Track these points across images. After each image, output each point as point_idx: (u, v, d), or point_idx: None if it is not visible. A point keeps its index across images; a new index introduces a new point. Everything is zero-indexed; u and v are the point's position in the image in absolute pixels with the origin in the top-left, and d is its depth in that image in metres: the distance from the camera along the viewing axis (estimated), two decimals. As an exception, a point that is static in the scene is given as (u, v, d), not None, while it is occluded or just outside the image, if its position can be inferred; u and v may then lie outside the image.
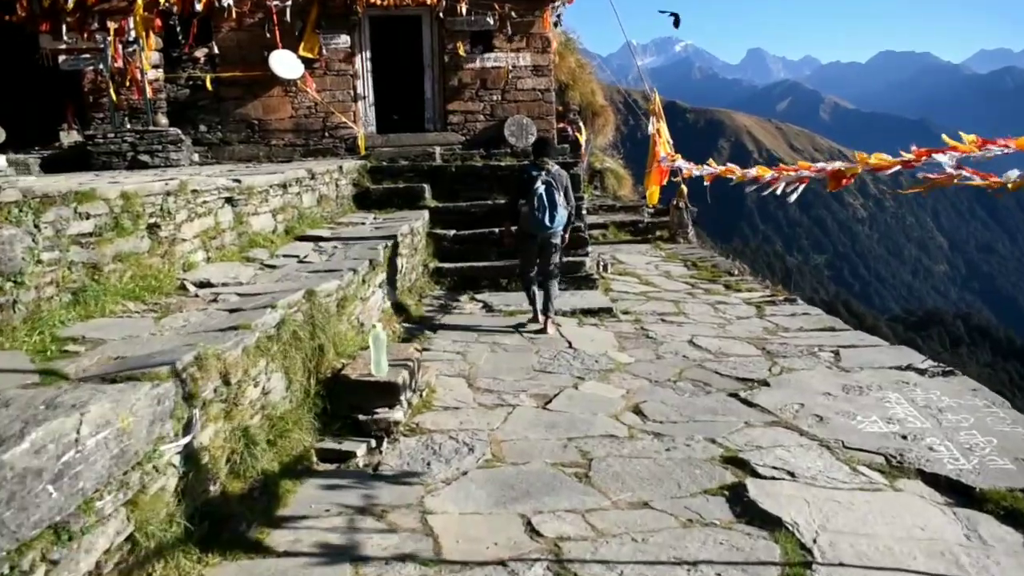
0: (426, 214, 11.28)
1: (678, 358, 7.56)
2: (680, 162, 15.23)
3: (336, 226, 9.79)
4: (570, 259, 10.71)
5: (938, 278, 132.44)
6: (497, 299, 10.00)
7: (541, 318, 8.62)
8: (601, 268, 12.40)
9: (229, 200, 7.17)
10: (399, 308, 8.68)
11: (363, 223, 10.20)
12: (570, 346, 7.99)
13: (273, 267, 6.88)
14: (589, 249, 11.12)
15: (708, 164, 11.25)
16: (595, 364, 7.32)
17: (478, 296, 10.26)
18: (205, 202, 6.61)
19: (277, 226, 8.35)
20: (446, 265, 10.79)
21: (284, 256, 7.38)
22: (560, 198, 8.31)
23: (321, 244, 8.14)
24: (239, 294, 5.54)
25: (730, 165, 9.83)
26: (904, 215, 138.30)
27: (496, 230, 10.69)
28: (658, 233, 17.45)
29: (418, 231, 10.13)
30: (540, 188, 8.20)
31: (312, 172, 9.63)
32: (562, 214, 8.39)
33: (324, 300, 5.60)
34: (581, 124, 19.01)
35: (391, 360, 5.60)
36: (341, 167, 11.12)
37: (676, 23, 15.77)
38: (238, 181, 7.31)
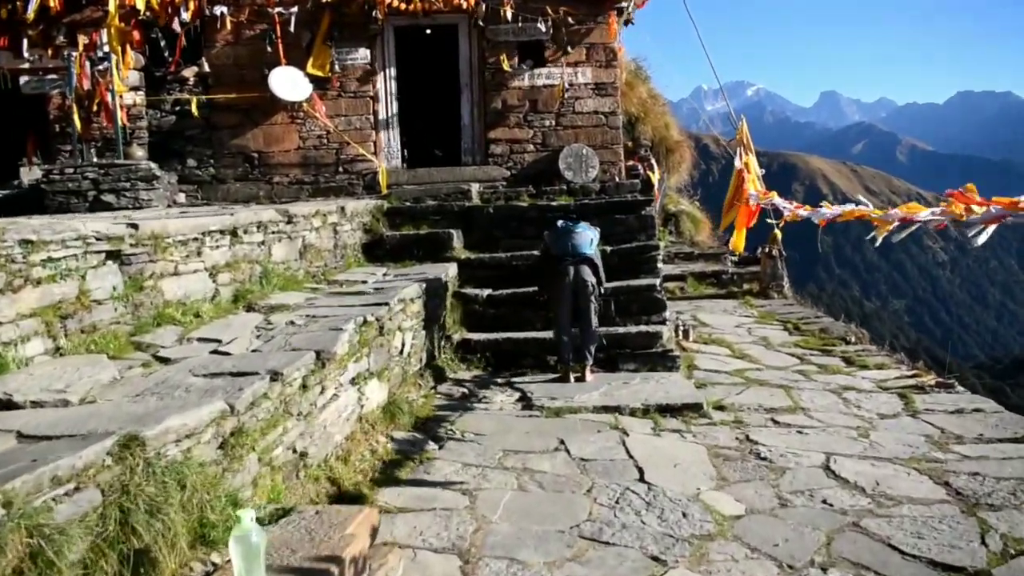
0: (452, 268, 8.67)
1: (815, 507, 4.72)
2: (778, 200, 12.50)
3: (322, 287, 7.25)
4: (642, 329, 7.98)
5: None
6: (540, 389, 7.25)
7: (576, 369, 7.53)
8: (681, 335, 9.61)
9: (114, 256, 4.65)
10: (395, 407, 6.02)
11: (364, 282, 7.65)
12: (641, 477, 5.19)
13: (167, 361, 4.32)
14: (667, 314, 8.36)
15: (823, 205, 8.60)
16: (682, 522, 4.50)
17: (516, 382, 7.54)
18: (52, 259, 4.08)
19: (220, 290, 5.82)
20: (476, 337, 8.12)
21: (201, 340, 4.81)
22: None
23: (274, 319, 5.56)
24: (23, 434, 2.96)
25: (862, 207, 7.34)
26: (987, 258, 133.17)
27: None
28: (746, 287, 14.53)
29: (433, 293, 7.50)
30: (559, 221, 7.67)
31: (289, 215, 7.11)
32: (589, 235, 7.65)
33: (173, 450, 2.98)
34: (653, 161, 16.38)
35: (309, 562, 2.92)
36: (343, 208, 8.61)
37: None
38: (134, 227, 4.79)
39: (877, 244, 5.46)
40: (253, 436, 3.61)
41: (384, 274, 8.37)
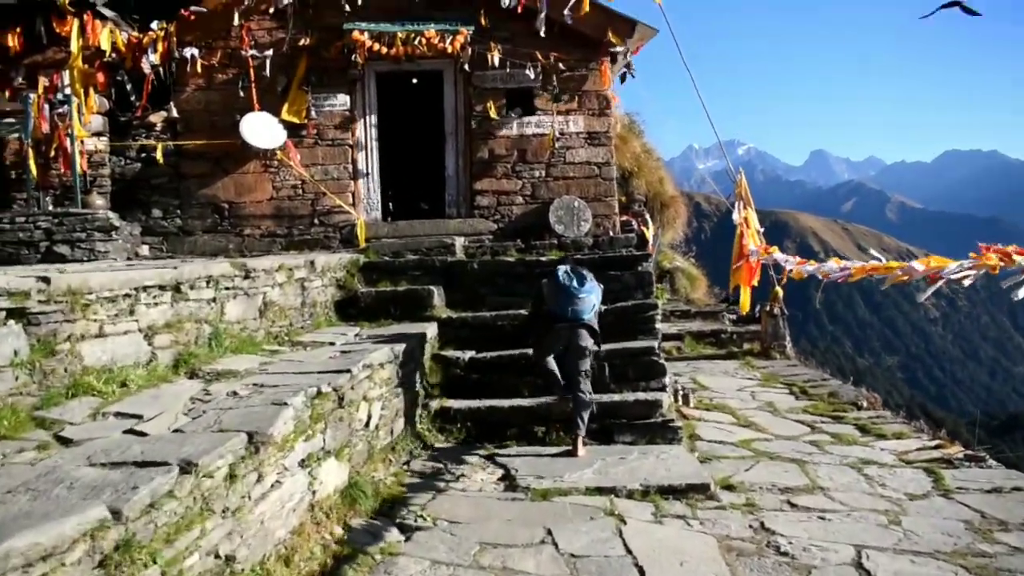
0: (432, 328, 7.94)
1: (853, 620, 3.95)
2: (779, 255, 11.86)
3: (283, 349, 6.49)
4: (640, 396, 7.23)
5: (1019, 380, 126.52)
6: (526, 464, 6.45)
7: (567, 441, 6.88)
8: (681, 400, 8.87)
9: (18, 314, 3.91)
10: (356, 490, 5.21)
11: (332, 343, 6.91)
12: (642, 582, 4.41)
13: (68, 443, 3.56)
14: (667, 379, 7.59)
15: (834, 261, 8.08)
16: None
17: (499, 455, 6.74)
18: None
19: (156, 354, 5.06)
20: (456, 404, 7.33)
21: (119, 416, 4.04)
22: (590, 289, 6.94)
23: (215, 388, 4.79)
24: None
25: (873, 262, 6.83)
26: (979, 315, 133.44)
27: (530, 353, 7.38)
28: (746, 346, 13.78)
29: (408, 357, 6.74)
30: (561, 271, 6.99)
31: (247, 269, 6.39)
32: (592, 300, 6.93)
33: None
34: (648, 217, 15.78)
35: None
36: (313, 263, 7.89)
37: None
38: (45, 281, 4.06)
39: (924, 298, 5.28)
40: (152, 546, 2.84)
41: (356, 334, 7.63)
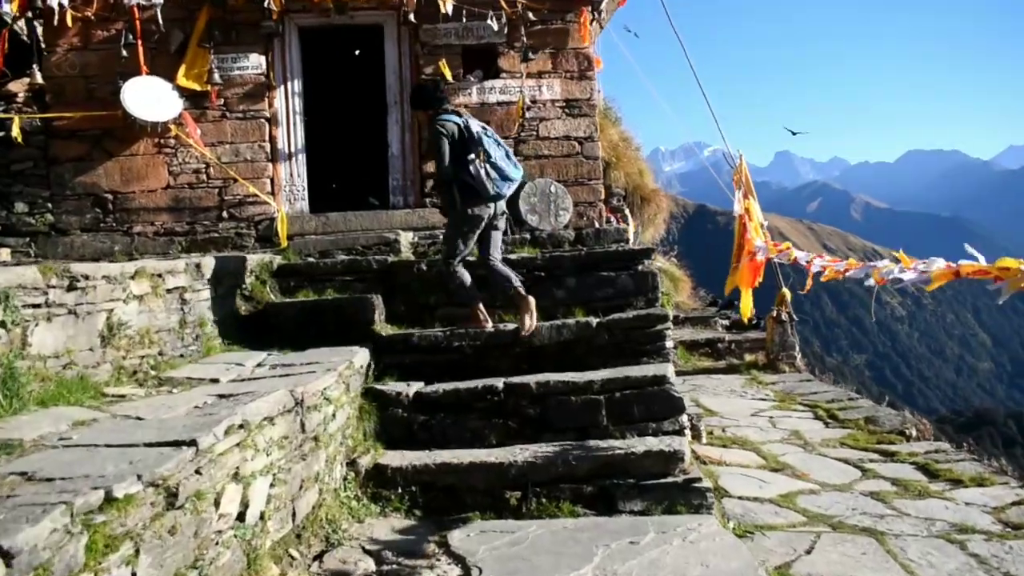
0: (363, 353, 5.79)
1: None
2: (799, 253, 9.94)
3: (136, 393, 4.37)
4: (651, 446, 5.14)
5: (983, 376, 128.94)
6: (495, 556, 4.32)
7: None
8: (690, 435, 6.81)
9: None
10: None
11: (216, 380, 4.80)
12: None
13: None
14: (684, 419, 5.51)
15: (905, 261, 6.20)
16: None
17: (457, 539, 4.62)
18: None
19: None
20: (396, 460, 5.18)
21: None
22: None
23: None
24: None
25: (969, 262, 5.40)
26: (944, 313, 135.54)
27: (499, 384, 5.36)
28: (748, 357, 11.78)
29: (318, 401, 4.61)
30: (482, 134, 6.04)
31: (71, 277, 4.24)
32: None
33: None
34: (627, 212, 13.87)
35: None
36: (199, 266, 5.73)
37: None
38: None
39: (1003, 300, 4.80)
40: None
41: (259, 364, 5.51)
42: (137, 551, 2.70)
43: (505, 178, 6.05)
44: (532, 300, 6.04)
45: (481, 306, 6.20)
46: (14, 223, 8.01)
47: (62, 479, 2.72)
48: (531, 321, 5.99)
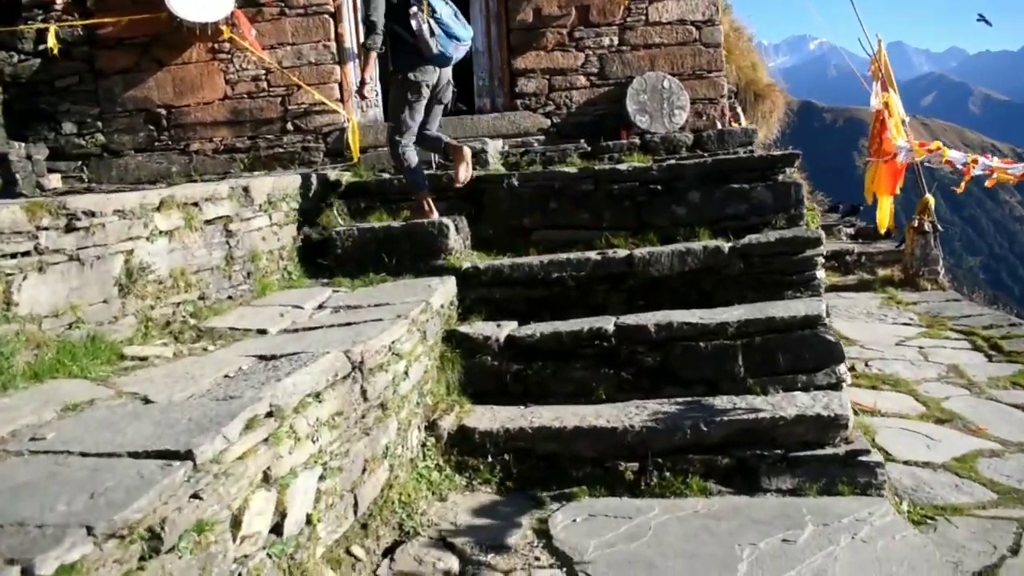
0: (443, 288, 4.83)
1: None
2: (955, 155, 8.48)
3: (159, 355, 3.51)
4: (803, 408, 4.00)
5: None
6: (605, 552, 3.38)
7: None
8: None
9: None
10: None
11: (264, 331, 3.92)
12: None
13: None
14: (842, 369, 4.38)
15: None
16: None
17: (559, 526, 3.67)
18: None
19: None
20: (484, 422, 4.23)
21: None
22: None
23: None
24: None
25: None
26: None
27: (609, 325, 4.33)
28: (881, 272, 10.40)
29: (382, 359, 3.66)
30: None
31: (68, 214, 3.34)
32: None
33: None
34: (740, 110, 12.40)
35: None
36: (247, 190, 4.80)
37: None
38: None
39: None
40: None
41: (320, 306, 4.61)
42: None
43: (451, 36, 5.37)
44: (468, 150, 5.59)
45: (430, 199, 5.57)
46: (63, 146, 7.26)
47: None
48: (466, 172, 5.53)
